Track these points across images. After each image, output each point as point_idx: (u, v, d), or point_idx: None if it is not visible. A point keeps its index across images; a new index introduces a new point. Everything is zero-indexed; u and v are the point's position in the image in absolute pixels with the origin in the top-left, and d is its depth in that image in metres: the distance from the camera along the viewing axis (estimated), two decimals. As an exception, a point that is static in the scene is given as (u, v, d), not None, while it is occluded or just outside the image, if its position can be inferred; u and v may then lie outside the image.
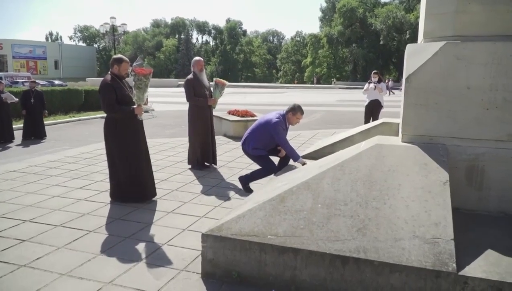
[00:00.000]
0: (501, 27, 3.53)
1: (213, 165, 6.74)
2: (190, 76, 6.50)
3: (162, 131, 11.62)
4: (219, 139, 9.37)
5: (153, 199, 4.95)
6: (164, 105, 20.94)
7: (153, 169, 5.22)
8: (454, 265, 2.52)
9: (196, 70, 6.45)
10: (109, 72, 4.75)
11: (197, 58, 6.67)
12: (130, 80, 4.73)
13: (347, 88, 47.19)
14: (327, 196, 3.14)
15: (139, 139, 4.82)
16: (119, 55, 4.86)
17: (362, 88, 10.78)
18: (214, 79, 6.65)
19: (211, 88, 6.69)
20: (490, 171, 3.52)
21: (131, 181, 4.76)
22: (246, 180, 5.39)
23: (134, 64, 4.65)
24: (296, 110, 5.03)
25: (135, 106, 4.66)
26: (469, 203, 3.60)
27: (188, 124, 6.64)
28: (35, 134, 10.79)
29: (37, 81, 12.87)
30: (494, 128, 3.48)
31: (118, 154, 4.72)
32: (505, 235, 3.11)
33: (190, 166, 6.66)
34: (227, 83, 6.90)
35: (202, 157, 6.60)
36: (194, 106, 6.44)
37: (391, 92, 36.44)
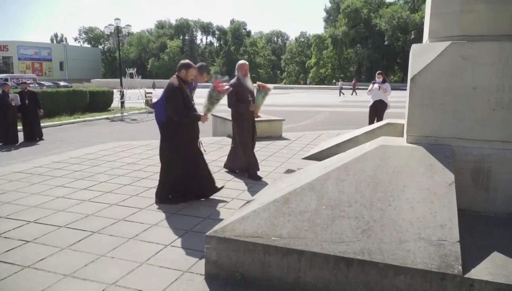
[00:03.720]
0: (508, 26, 3.49)
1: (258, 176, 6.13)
2: (234, 80, 6.02)
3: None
4: (223, 140, 9.37)
5: (155, 200, 4.95)
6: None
7: (158, 170, 5.22)
8: (460, 267, 2.49)
9: (240, 74, 6.03)
10: (175, 75, 4.78)
11: (242, 61, 6.25)
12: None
13: (351, 88, 47.17)
14: (331, 197, 3.11)
15: (195, 141, 4.93)
16: (188, 61, 4.90)
17: (367, 88, 10.74)
18: (257, 83, 6.16)
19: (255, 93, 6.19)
20: (496, 172, 3.48)
21: (187, 181, 4.83)
22: None
23: (218, 78, 4.81)
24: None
25: (201, 113, 4.80)
26: (475, 205, 3.56)
27: (233, 130, 6.35)
28: (32, 135, 10.78)
29: (27, 82, 12.84)
30: (501, 129, 3.44)
31: (174, 154, 4.76)
32: (512, 237, 3.07)
33: (226, 170, 6.47)
34: (271, 87, 6.33)
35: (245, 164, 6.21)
36: (237, 112, 6.11)
37: (354, 92, 37.82)
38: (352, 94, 38.10)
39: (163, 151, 4.89)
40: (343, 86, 40.69)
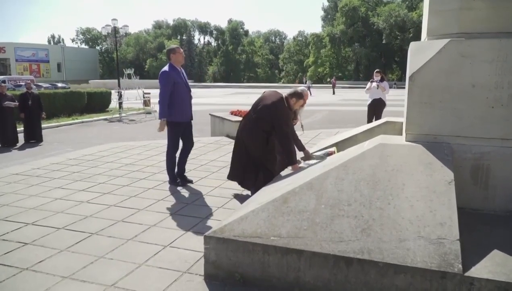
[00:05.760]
0: (507, 23, 3.48)
1: None
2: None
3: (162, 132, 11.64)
4: (222, 140, 9.35)
5: (157, 200, 4.94)
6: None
7: (157, 171, 5.21)
8: (460, 265, 2.48)
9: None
10: (283, 98, 4.77)
11: (304, 89, 5.13)
12: None
13: (350, 87, 47.17)
14: (330, 196, 3.10)
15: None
16: (300, 91, 4.89)
17: (365, 87, 10.73)
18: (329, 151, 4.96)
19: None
20: (496, 170, 3.47)
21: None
22: (170, 172, 5.72)
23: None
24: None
25: (298, 159, 4.77)
26: (474, 203, 3.55)
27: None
28: (34, 137, 10.74)
29: (30, 82, 12.82)
30: (500, 126, 3.44)
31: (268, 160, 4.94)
32: (512, 235, 3.07)
33: None
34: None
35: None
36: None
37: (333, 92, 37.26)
38: (334, 94, 37.48)
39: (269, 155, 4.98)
40: (311, 85, 40.38)
